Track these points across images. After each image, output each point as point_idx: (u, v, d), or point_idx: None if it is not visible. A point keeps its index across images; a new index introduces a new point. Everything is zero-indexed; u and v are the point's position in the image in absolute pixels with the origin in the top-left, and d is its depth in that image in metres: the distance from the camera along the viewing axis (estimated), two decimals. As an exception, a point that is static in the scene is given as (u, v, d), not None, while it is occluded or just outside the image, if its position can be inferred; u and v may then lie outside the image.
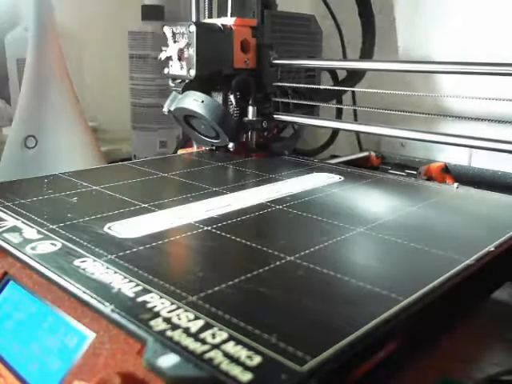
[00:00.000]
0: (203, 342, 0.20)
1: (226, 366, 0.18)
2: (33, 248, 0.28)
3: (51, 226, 0.32)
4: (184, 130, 0.58)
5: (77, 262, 0.27)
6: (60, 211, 0.35)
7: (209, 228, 0.33)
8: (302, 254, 0.29)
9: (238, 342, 0.20)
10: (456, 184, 0.45)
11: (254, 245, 0.30)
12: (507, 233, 0.33)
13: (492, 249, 0.30)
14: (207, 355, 0.19)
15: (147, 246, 0.30)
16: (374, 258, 0.29)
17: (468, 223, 0.36)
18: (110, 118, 0.87)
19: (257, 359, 0.19)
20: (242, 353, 0.19)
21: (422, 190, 0.44)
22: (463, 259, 0.28)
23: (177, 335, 0.20)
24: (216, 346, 0.20)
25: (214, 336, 0.20)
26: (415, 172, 0.57)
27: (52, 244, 0.29)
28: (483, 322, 0.33)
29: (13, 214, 0.34)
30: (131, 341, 0.21)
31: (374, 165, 0.63)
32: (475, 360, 0.29)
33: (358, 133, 0.76)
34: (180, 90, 0.52)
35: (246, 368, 0.18)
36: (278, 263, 0.28)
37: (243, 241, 0.31)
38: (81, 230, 0.32)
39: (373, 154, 0.64)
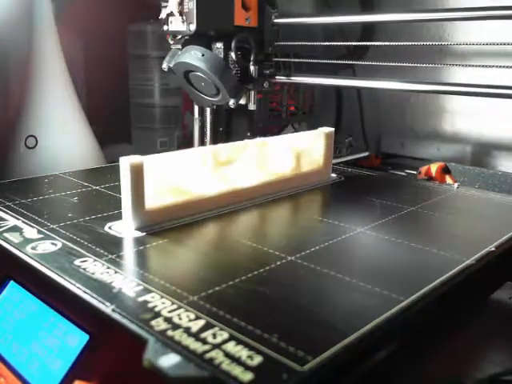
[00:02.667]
0: (204, 341, 0.20)
1: (226, 365, 0.18)
2: (33, 248, 0.28)
3: (52, 226, 0.32)
4: (183, 89, 0.55)
5: (77, 262, 0.27)
6: (60, 211, 0.35)
7: (209, 228, 0.33)
8: (303, 253, 0.29)
9: (239, 342, 0.20)
10: (456, 184, 0.45)
11: (254, 245, 0.30)
12: (507, 233, 0.33)
13: (492, 249, 0.30)
14: (208, 355, 0.19)
15: (148, 245, 0.30)
16: (374, 258, 0.29)
17: (468, 223, 0.36)
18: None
19: (257, 359, 0.19)
20: (242, 353, 0.19)
21: (422, 189, 0.44)
22: (464, 259, 0.29)
23: (178, 335, 0.20)
24: (217, 346, 0.20)
25: (214, 336, 0.20)
26: (415, 172, 0.57)
27: (52, 244, 0.29)
28: (483, 322, 0.33)
29: (13, 214, 0.34)
30: (132, 341, 0.21)
31: (374, 165, 0.63)
32: (475, 360, 0.29)
33: (363, 131, 0.76)
34: (180, 46, 0.51)
35: (247, 368, 0.18)
36: (278, 263, 0.28)
37: (244, 241, 0.31)
38: (81, 230, 0.32)
39: (373, 154, 0.64)
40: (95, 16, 0.80)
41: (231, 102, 0.51)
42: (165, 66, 0.52)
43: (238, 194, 0.38)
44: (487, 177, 0.56)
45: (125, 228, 0.32)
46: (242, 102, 0.54)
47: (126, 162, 0.30)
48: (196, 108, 0.60)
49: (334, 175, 0.46)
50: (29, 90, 0.60)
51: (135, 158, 0.31)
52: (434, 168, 0.57)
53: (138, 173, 0.31)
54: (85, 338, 0.23)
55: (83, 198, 0.38)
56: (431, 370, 0.27)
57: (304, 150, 0.43)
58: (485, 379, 0.27)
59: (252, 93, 0.55)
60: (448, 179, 0.57)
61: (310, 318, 0.22)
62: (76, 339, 0.23)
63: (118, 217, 0.33)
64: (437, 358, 0.28)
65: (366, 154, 0.64)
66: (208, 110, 0.59)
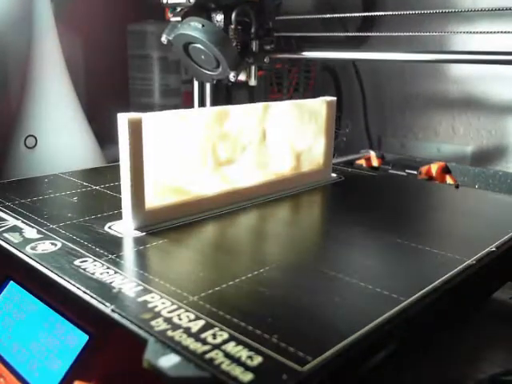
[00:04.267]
0: (204, 342, 0.20)
1: (226, 366, 0.18)
2: (33, 248, 0.28)
3: (51, 226, 0.32)
4: (183, 63, 0.55)
5: (77, 262, 0.27)
6: (60, 211, 0.35)
7: (209, 228, 0.33)
8: (303, 253, 0.29)
9: (239, 342, 0.20)
10: (456, 184, 0.45)
11: (254, 244, 0.30)
12: (508, 233, 0.33)
13: (493, 249, 0.30)
14: (208, 355, 0.19)
15: (147, 245, 0.30)
16: (374, 258, 0.29)
17: (469, 223, 0.36)
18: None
19: (257, 359, 0.19)
20: (242, 353, 0.19)
21: (422, 189, 0.44)
22: (464, 259, 0.28)
23: (178, 335, 0.20)
24: (217, 347, 0.20)
25: (214, 336, 0.20)
26: (415, 172, 0.57)
27: (52, 244, 0.29)
28: (483, 322, 0.33)
29: (13, 214, 0.34)
30: (132, 341, 0.21)
31: (374, 165, 0.63)
32: (475, 360, 0.29)
33: (367, 129, 0.75)
34: (179, 18, 0.50)
35: (247, 368, 0.18)
36: (278, 263, 0.28)
37: (243, 240, 0.31)
38: (81, 230, 0.31)
39: (373, 153, 0.64)
40: (95, 16, 0.80)
41: (231, 75, 0.50)
42: (164, 38, 0.51)
43: (238, 194, 0.38)
44: (487, 177, 0.56)
45: (125, 228, 0.32)
46: (243, 78, 0.53)
47: (123, 118, 0.29)
48: (196, 108, 0.60)
49: (334, 175, 0.46)
50: (28, 90, 0.60)
51: (134, 115, 0.30)
52: (434, 168, 0.57)
53: (136, 129, 0.30)
54: (84, 338, 0.23)
55: (83, 198, 0.38)
56: (431, 370, 0.27)
57: (304, 149, 0.43)
58: (485, 379, 0.27)
59: (252, 68, 0.54)
60: (448, 179, 0.57)
61: (310, 318, 0.22)
62: (76, 339, 0.23)
63: (118, 217, 0.33)
64: (437, 358, 0.28)
65: (366, 153, 0.64)
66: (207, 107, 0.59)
